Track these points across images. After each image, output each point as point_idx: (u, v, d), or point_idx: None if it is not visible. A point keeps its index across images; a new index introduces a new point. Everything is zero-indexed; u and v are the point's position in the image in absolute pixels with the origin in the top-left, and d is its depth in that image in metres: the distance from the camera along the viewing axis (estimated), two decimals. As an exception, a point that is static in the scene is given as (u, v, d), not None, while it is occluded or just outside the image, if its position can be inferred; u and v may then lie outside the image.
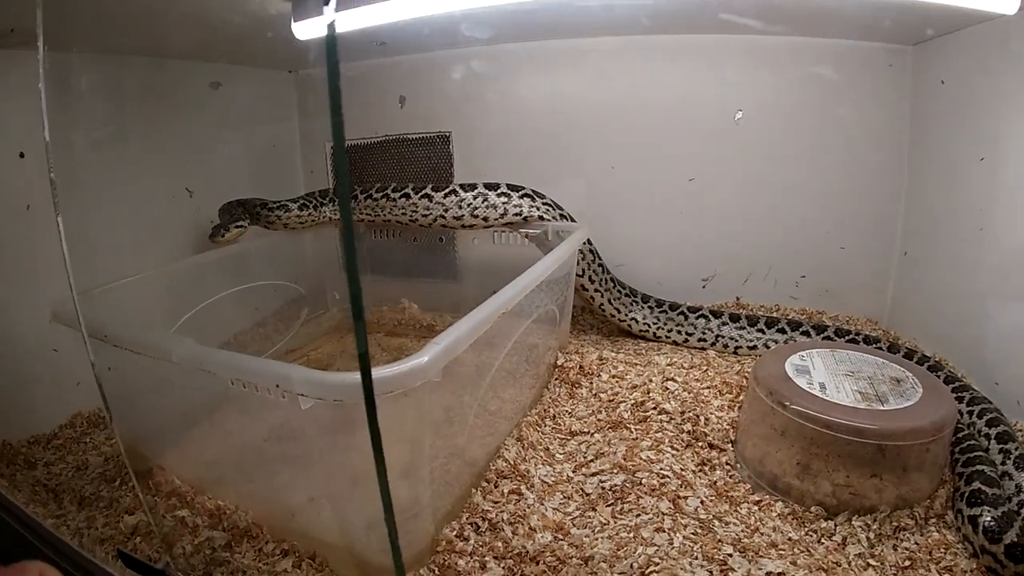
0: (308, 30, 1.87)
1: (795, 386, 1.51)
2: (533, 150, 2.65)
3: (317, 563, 1.26)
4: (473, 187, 2.25)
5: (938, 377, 1.90)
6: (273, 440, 1.26)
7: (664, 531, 1.27)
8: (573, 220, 2.29)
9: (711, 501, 1.40)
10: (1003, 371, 1.88)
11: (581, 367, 1.97)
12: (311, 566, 1.26)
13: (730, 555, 1.19)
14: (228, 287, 2.16)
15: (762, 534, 1.31)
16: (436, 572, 1.22)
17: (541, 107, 2.65)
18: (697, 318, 2.32)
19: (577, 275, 2.27)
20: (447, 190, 2.27)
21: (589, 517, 1.35)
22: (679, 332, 2.33)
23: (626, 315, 2.37)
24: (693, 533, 1.27)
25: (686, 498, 1.38)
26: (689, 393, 1.74)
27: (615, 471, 1.47)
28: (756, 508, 1.41)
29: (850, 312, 2.65)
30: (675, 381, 1.80)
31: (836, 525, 1.36)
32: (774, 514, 1.39)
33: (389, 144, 2.84)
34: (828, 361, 1.66)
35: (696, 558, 1.18)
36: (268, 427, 1.26)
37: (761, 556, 1.20)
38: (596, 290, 2.31)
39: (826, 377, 1.56)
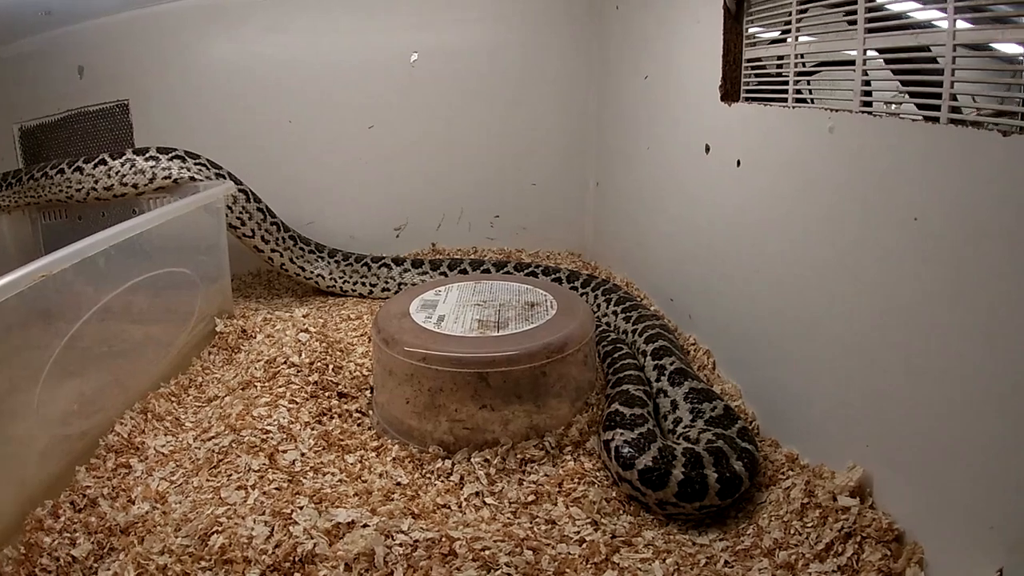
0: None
1: (406, 323, 1.49)
2: (212, 111, 2.51)
3: None
4: (121, 154, 2.11)
5: (609, 300, 1.95)
6: None
7: (245, 489, 1.23)
8: (238, 181, 2.18)
9: (315, 453, 1.37)
10: (675, 287, 1.97)
11: (244, 331, 1.90)
12: None
13: (301, 508, 1.15)
14: None
15: (363, 481, 1.29)
16: (21, 551, 1.12)
17: (219, 66, 2.52)
18: (379, 267, 2.31)
19: (247, 236, 2.18)
20: (96, 160, 2.11)
21: (190, 483, 1.30)
22: (363, 284, 2.31)
23: (312, 272, 2.31)
24: (276, 488, 1.23)
25: (284, 452, 1.35)
26: (322, 343, 1.71)
27: (226, 432, 1.41)
28: (372, 455, 1.39)
29: (551, 247, 2.72)
30: (308, 332, 1.76)
31: (454, 464, 1.35)
32: (388, 459, 1.37)
33: (71, 120, 2.62)
34: (465, 293, 1.65)
35: (263, 514, 1.13)
36: None
37: (339, 506, 1.17)
38: (273, 250, 2.24)
39: (451, 309, 1.56)
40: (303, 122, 2.52)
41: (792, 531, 1.11)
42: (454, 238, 2.68)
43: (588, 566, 1.08)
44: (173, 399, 1.61)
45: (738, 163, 1.55)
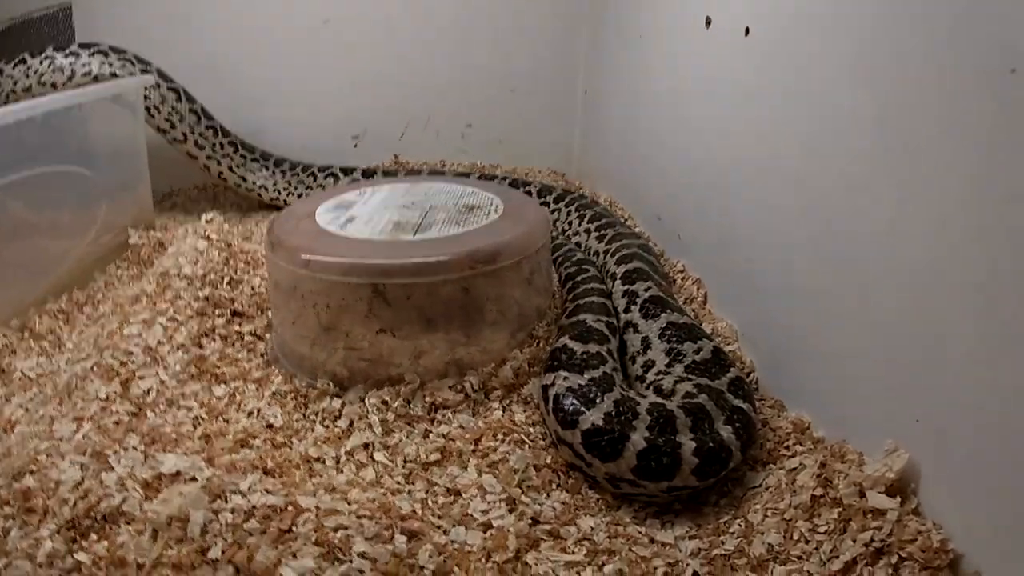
0: None
1: (304, 224, 1.26)
2: (155, 11, 2.28)
3: None
4: (41, 51, 1.92)
5: (583, 216, 1.73)
6: None
7: (80, 421, 1.06)
8: (168, 79, 1.98)
9: (179, 382, 1.18)
10: (664, 206, 1.74)
11: (161, 244, 1.74)
12: None
13: (126, 449, 0.96)
14: None
15: (224, 420, 1.10)
16: None
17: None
18: (326, 177, 2.12)
19: (178, 140, 2.00)
20: (16, 60, 1.93)
21: (39, 412, 1.14)
22: (309, 195, 2.12)
23: (253, 183, 2.13)
24: (115, 422, 1.06)
25: (142, 378, 1.17)
26: (222, 253, 1.52)
27: (93, 354, 1.25)
28: (251, 387, 1.19)
29: (532, 163, 2.49)
30: (208, 239, 1.56)
31: (345, 404, 1.13)
32: (267, 393, 1.17)
33: (16, 29, 2.43)
34: (395, 194, 1.42)
35: (84, 453, 0.95)
36: None
37: (172, 450, 0.97)
38: (209, 157, 2.05)
39: (368, 211, 1.32)
40: (251, 18, 2.29)
41: (795, 536, 0.82)
42: (420, 150, 2.45)
43: (488, 565, 0.82)
44: (61, 315, 1.46)
45: (747, 31, 1.24)
